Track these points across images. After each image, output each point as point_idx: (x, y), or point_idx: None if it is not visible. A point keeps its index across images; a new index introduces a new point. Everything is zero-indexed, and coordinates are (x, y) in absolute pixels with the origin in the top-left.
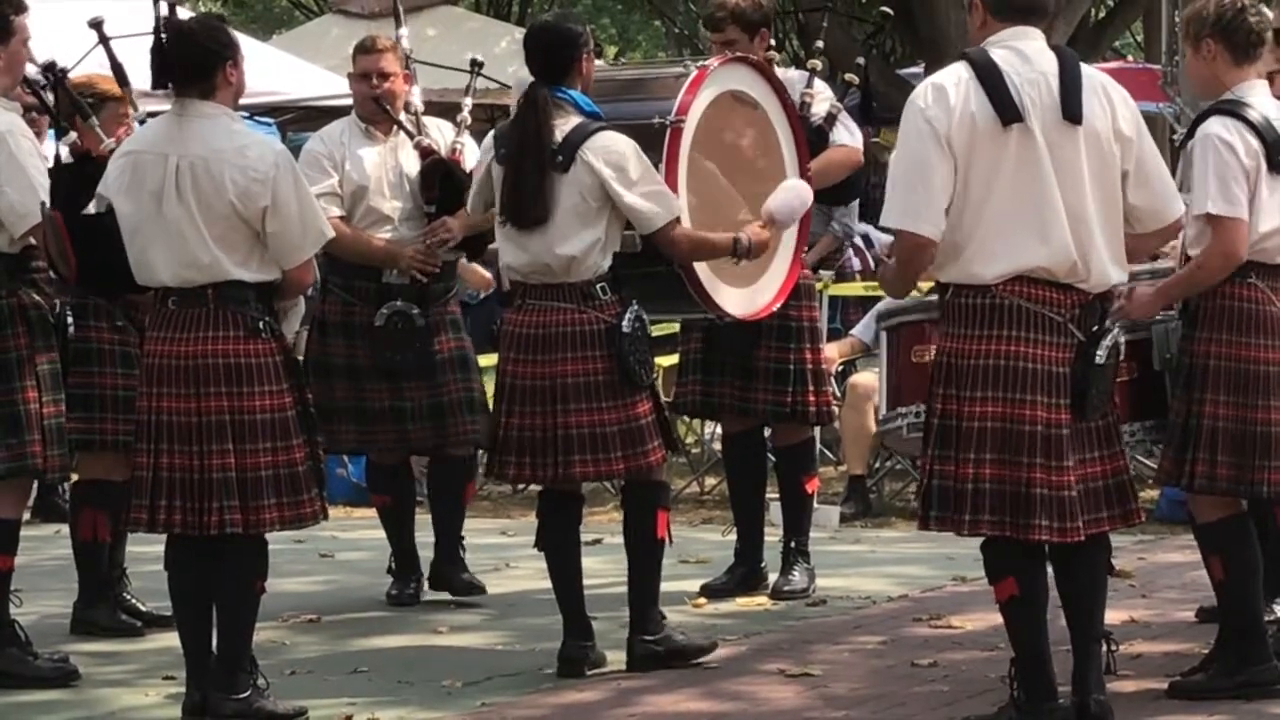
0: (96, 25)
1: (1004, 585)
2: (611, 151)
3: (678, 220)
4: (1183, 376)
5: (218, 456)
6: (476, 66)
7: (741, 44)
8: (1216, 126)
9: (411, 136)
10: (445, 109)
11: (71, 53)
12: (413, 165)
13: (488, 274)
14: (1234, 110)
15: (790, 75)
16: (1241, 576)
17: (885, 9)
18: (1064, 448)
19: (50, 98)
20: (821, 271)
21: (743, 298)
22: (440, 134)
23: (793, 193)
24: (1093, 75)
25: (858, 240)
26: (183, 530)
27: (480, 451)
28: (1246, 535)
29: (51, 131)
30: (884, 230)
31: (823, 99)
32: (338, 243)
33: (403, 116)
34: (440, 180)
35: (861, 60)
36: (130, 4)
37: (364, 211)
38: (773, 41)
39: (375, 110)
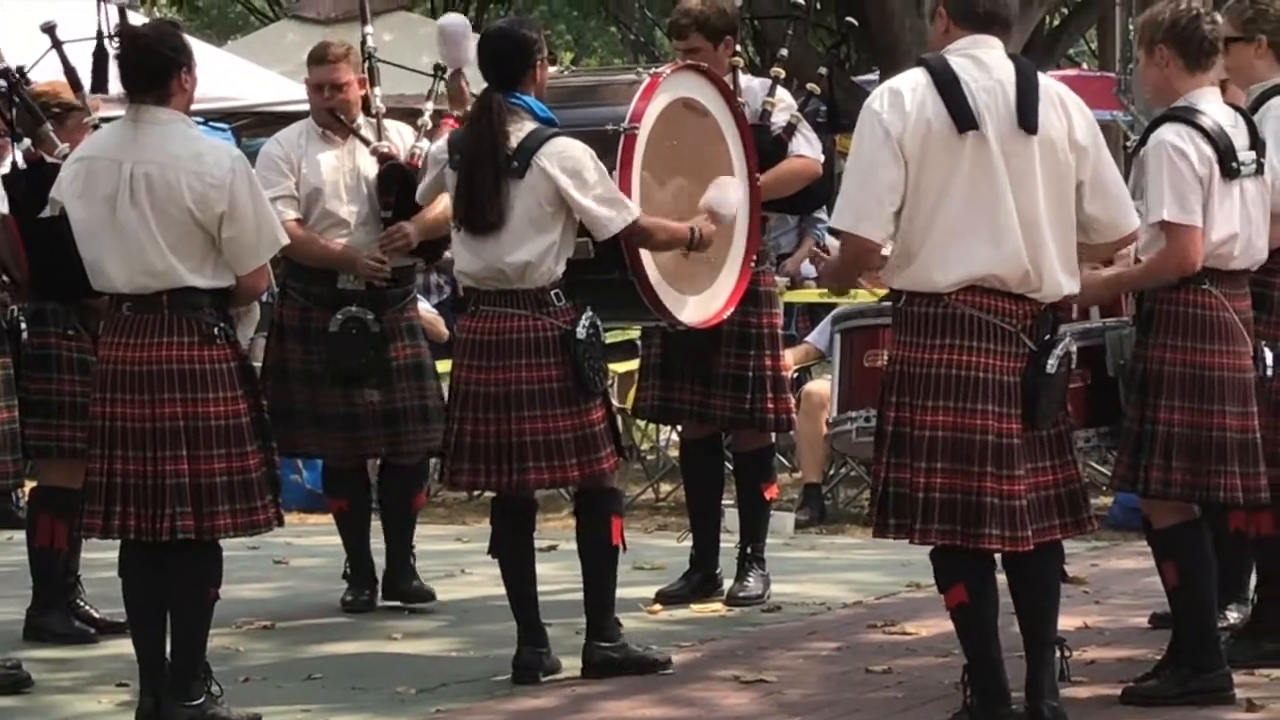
0: (49, 30)
1: (954, 592)
2: (567, 158)
3: (636, 223)
4: (1137, 382)
5: (171, 462)
6: (440, 72)
7: (706, 51)
8: (1170, 134)
9: (367, 144)
10: (402, 114)
11: (23, 57)
12: (370, 169)
13: (444, 329)
14: (1187, 117)
15: (752, 84)
16: (1195, 582)
17: (850, 19)
18: (1015, 457)
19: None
20: (776, 278)
21: (694, 305)
22: (400, 138)
23: (726, 187)
24: (1049, 85)
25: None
26: (136, 536)
27: (432, 459)
28: (1200, 541)
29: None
30: (833, 234)
31: (783, 108)
32: (294, 246)
33: (362, 119)
34: (397, 186)
35: (824, 70)
36: (83, 8)
37: (320, 215)
38: (738, 49)
39: (330, 120)
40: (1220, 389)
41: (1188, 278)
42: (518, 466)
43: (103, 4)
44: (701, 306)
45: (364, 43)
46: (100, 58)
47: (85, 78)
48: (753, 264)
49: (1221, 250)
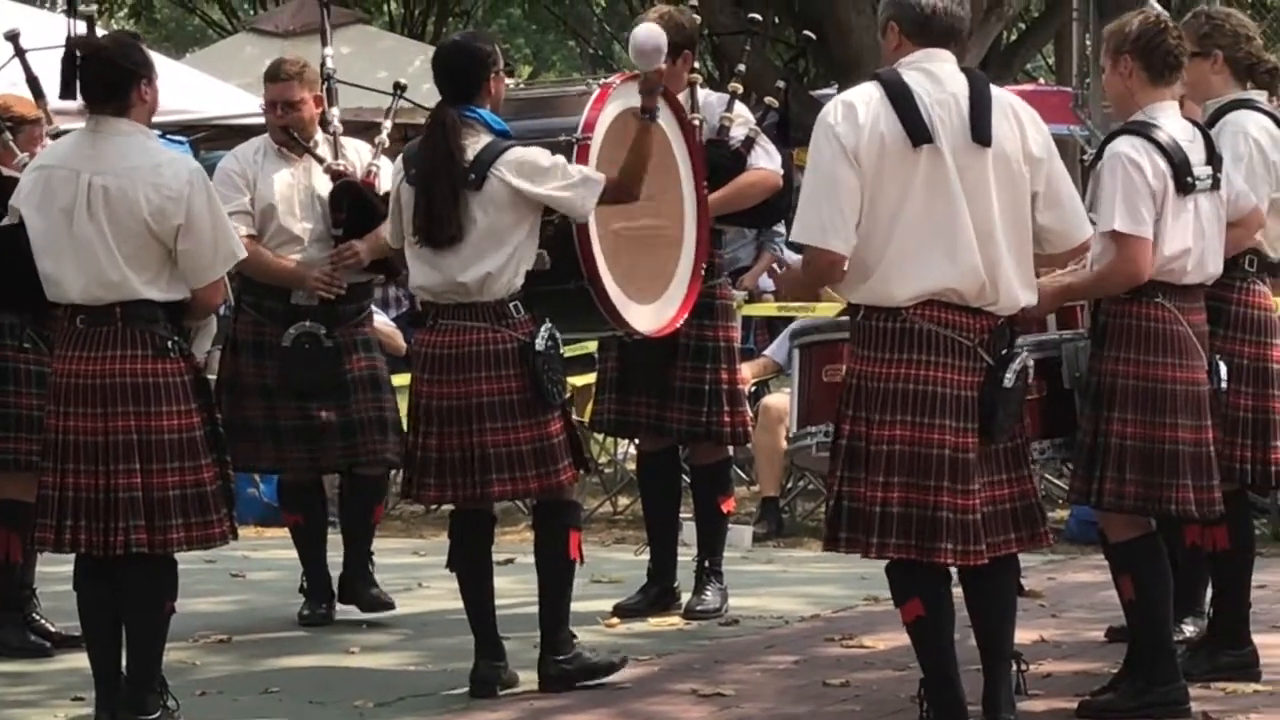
0: (13, 38)
1: (910, 606)
2: (523, 162)
3: (607, 188)
4: (1091, 394)
5: (124, 476)
6: (399, 89)
7: (664, 66)
8: (1125, 146)
9: (321, 161)
10: (359, 128)
11: None
12: (325, 186)
13: (402, 342)
14: (1143, 131)
15: (710, 99)
16: (1151, 596)
17: (807, 32)
18: (970, 471)
19: None
20: (734, 291)
21: (650, 313)
22: (357, 156)
23: (632, 42)
24: (1002, 97)
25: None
26: (88, 550)
27: (393, 472)
28: (1157, 555)
29: None
30: (793, 248)
31: (741, 123)
32: (246, 261)
33: (320, 136)
34: (348, 203)
35: (782, 84)
36: (46, 16)
37: (274, 231)
38: (696, 64)
39: (285, 137)
40: (1173, 402)
41: (1140, 291)
42: (480, 479)
43: (73, 16)
44: (655, 315)
45: (323, 64)
46: (69, 66)
47: (50, 87)
48: (703, 271)
49: (1174, 264)
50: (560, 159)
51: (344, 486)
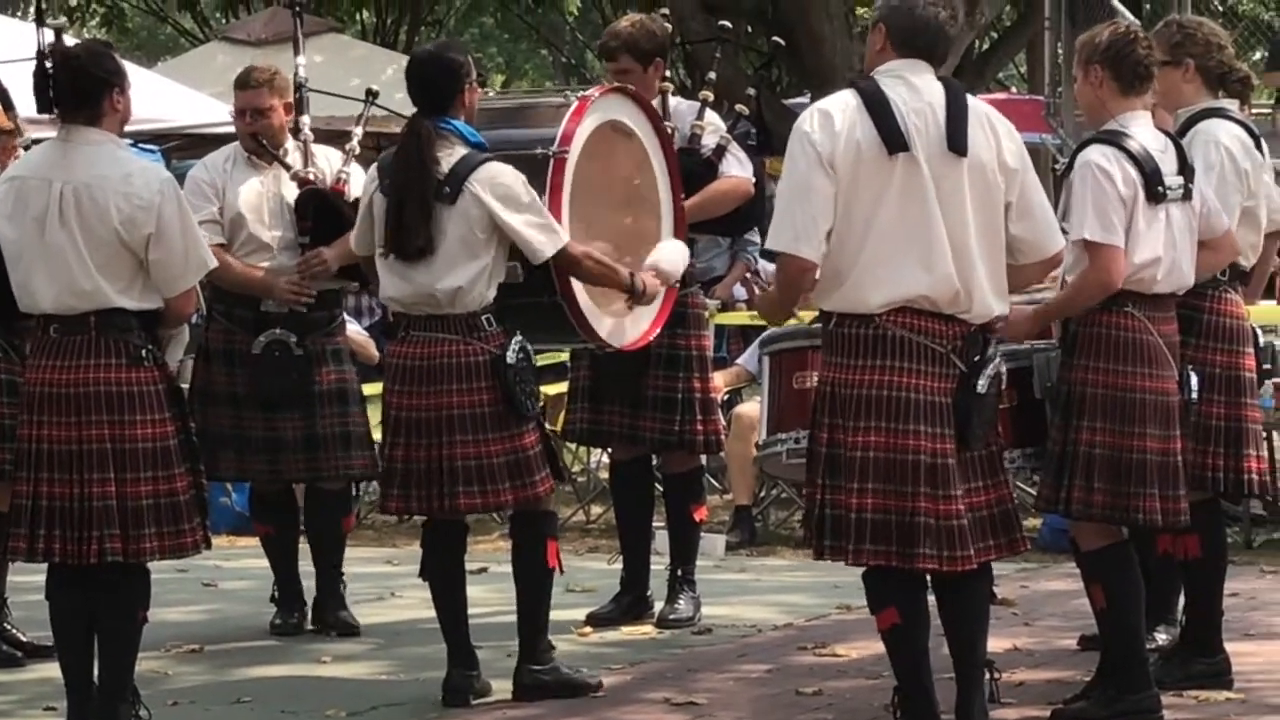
0: None
1: (886, 614)
2: (499, 183)
3: (565, 249)
4: (1060, 403)
5: (98, 485)
6: (371, 96)
7: (635, 73)
8: (1095, 155)
9: (288, 169)
10: (332, 136)
11: None
12: (294, 194)
13: (375, 352)
14: (1114, 140)
15: (680, 107)
16: (1123, 605)
17: (776, 39)
18: (950, 477)
19: None
20: (707, 300)
21: (622, 327)
22: (328, 163)
23: (679, 253)
24: (978, 107)
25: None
26: (62, 559)
27: (359, 485)
28: (1128, 563)
29: None
30: (767, 257)
31: (712, 131)
32: (216, 270)
33: (290, 144)
34: (314, 211)
35: (752, 91)
36: (14, 29)
37: (244, 239)
38: (667, 72)
39: (254, 145)
40: (1141, 411)
41: (1111, 300)
42: (449, 491)
43: (40, 26)
44: (629, 327)
45: (295, 73)
46: (41, 79)
47: (19, 99)
48: (678, 285)
49: (1144, 273)
50: (534, 195)
51: (307, 501)
